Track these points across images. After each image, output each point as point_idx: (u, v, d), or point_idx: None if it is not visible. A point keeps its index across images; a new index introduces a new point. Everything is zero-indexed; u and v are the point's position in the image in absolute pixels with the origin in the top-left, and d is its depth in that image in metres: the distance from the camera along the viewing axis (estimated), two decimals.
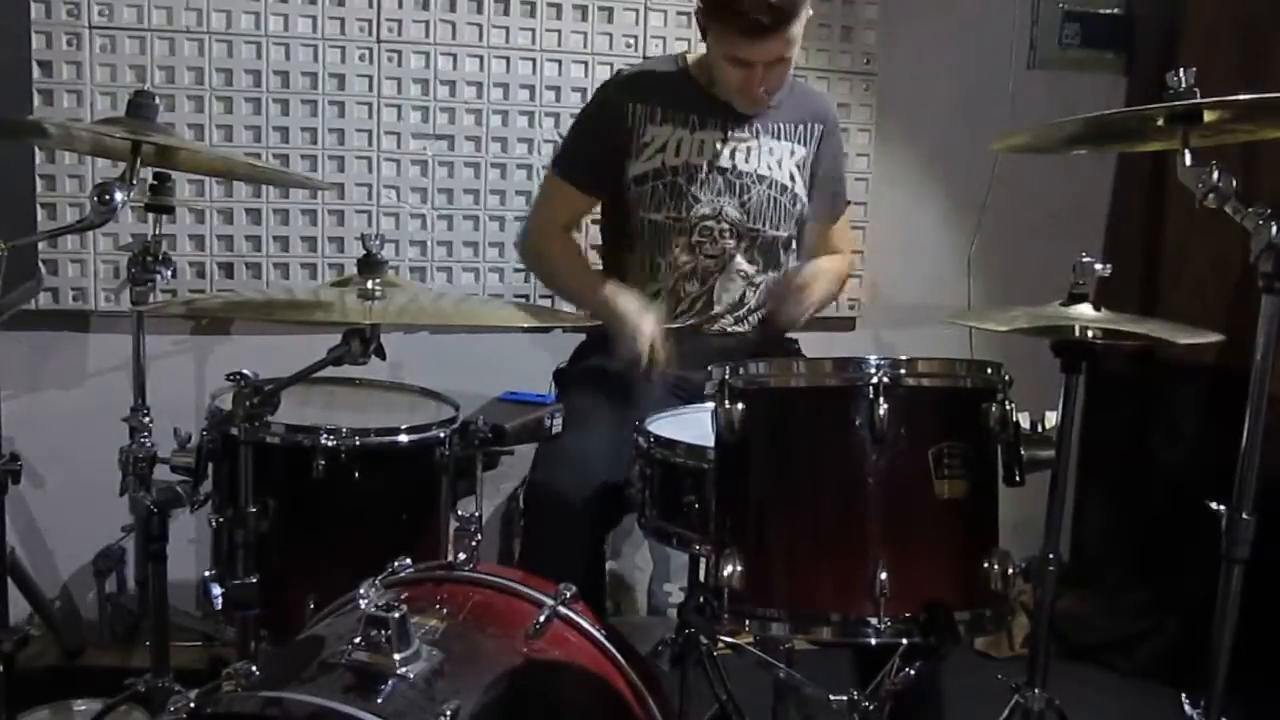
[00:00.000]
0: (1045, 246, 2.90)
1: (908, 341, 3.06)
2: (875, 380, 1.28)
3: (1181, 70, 1.45)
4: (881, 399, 1.27)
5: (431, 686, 1.22)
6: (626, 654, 1.48)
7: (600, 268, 2.33)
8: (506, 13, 2.75)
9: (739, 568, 1.30)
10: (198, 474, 1.73)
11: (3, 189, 2.49)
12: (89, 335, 2.66)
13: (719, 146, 2.14)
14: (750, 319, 2.21)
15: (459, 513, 1.58)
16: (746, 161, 2.15)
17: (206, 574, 1.56)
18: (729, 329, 2.19)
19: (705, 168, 2.13)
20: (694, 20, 2.11)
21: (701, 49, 2.16)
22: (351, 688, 1.19)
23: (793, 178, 2.19)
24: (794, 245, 2.26)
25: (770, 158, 2.17)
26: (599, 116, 2.20)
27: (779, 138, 2.18)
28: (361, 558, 1.55)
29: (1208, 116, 1.49)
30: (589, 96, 2.64)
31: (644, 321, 1.99)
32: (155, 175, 2.03)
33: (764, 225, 2.16)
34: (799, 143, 2.20)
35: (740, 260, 2.17)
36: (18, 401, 2.37)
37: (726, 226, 2.14)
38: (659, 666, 1.68)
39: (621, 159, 2.14)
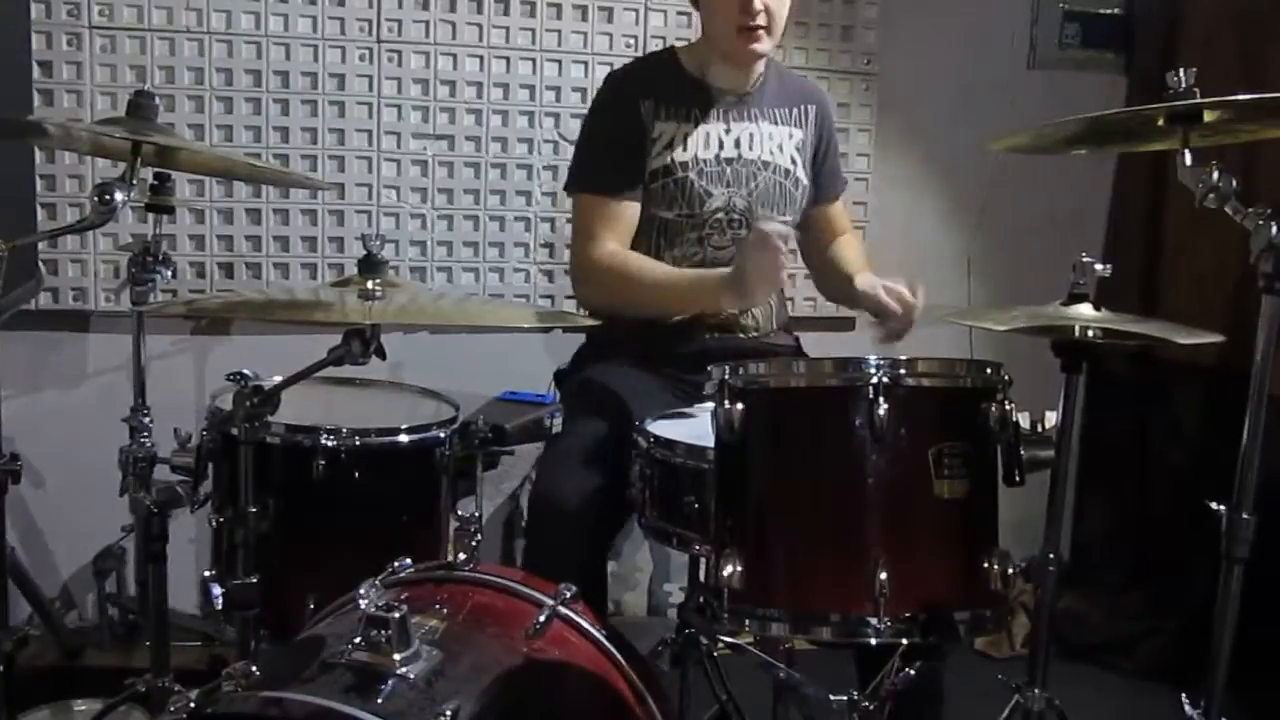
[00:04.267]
0: (1045, 246, 2.90)
1: (908, 341, 3.05)
2: (875, 380, 1.28)
3: (1181, 70, 1.45)
4: (881, 399, 1.27)
5: (431, 686, 1.22)
6: (626, 654, 1.48)
7: None
8: (506, 13, 2.75)
9: (739, 568, 1.30)
10: (198, 474, 1.73)
11: (3, 189, 2.49)
12: (89, 335, 2.66)
13: (723, 137, 2.13)
14: (753, 311, 2.19)
15: (459, 513, 1.58)
16: (750, 149, 2.14)
17: (206, 574, 1.55)
18: (738, 319, 2.18)
19: (713, 160, 2.12)
20: None
21: (691, 39, 2.14)
22: (351, 688, 1.19)
23: (794, 161, 2.18)
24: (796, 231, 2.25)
25: (771, 143, 2.16)
26: (613, 116, 2.13)
27: (777, 122, 2.18)
28: (361, 558, 1.55)
29: (1208, 116, 1.49)
30: (589, 97, 2.63)
31: (767, 253, 1.82)
32: (155, 175, 2.03)
33: (771, 212, 2.16)
34: (796, 125, 2.20)
35: None
36: (18, 401, 2.37)
37: (736, 217, 2.14)
38: (659, 666, 1.68)
39: (643, 155, 2.09)
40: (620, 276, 2.05)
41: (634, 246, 2.13)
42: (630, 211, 2.09)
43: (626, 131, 2.09)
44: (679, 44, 2.30)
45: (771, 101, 2.18)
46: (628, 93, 2.12)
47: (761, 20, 1.99)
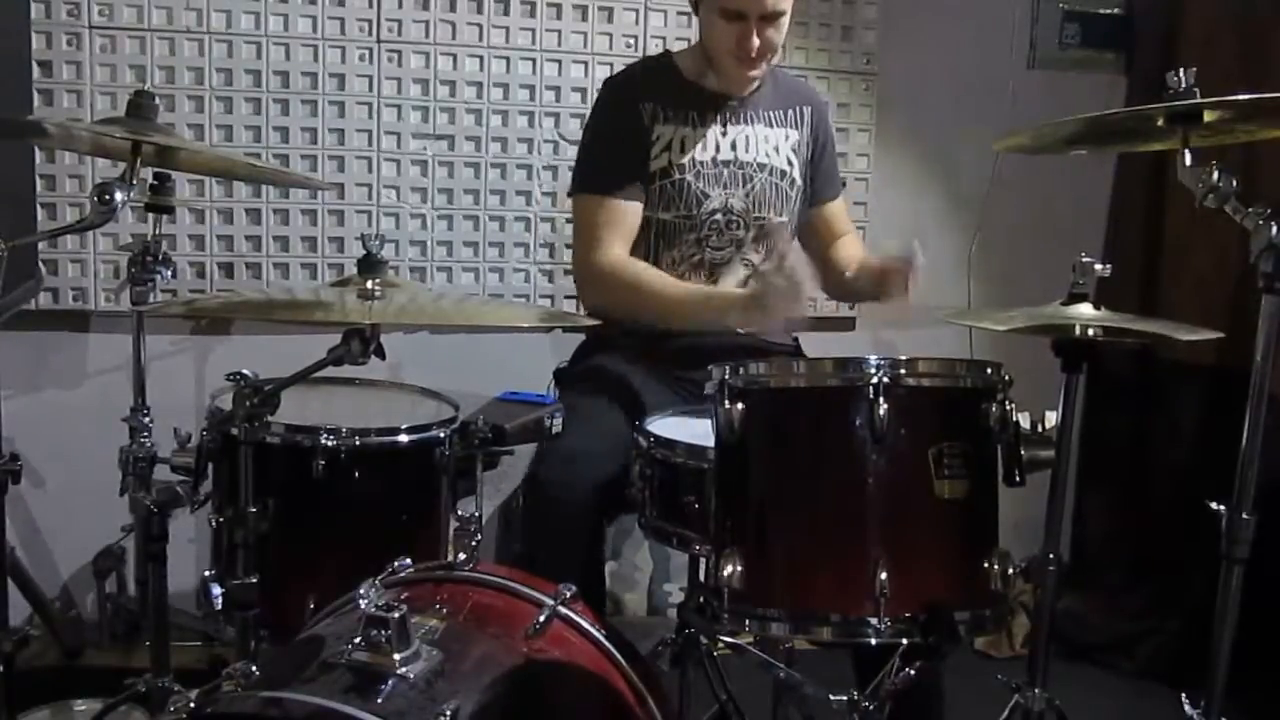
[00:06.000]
0: (1045, 246, 2.90)
1: (908, 341, 3.06)
2: (875, 380, 1.28)
3: (1181, 70, 1.45)
4: (881, 399, 1.27)
5: (431, 686, 1.22)
6: (626, 654, 1.48)
7: None
8: (506, 13, 2.75)
9: (739, 568, 1.30)
10: (198, 474, 1.73)
11: (3, 189, 2.49)
12: (89, 335, 2.66)
13: (720, 140, 2.14)
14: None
15: (459, 513, 1.58)
16: (746, 151, 2.16)
17: (206, 574, 1.56)
18: None
19: (710, 163, 2.13)
20: None
21: (684, 45, 2.14)
22: (351, 688, 1.19)
23: (790, 162, 2.20)
24: (793, 231, 2.26)
25: (767, 145, 2.18)
26: (615, 118, 2.14)
27: (772, 125, 2.19)
28: (361, 558, 1.55)
29: (1208, 116, 1.49)
30: (589, 97, 2.63)
31: (794, 275, 1.78)
32: (155, 175, 2.03)
33: (768, 213, 2.17)
34: (791, 127, 2.21)
35: (747, 249, 2.17)
36: (18, 401, 2.37)
37: (734, 218, 2.15)
38: (659, 666, 1.68)
39: (644, 157, 2.10)
40: (629, 286, 2.03)
41: (631, 249, 2.13)
42: (633, 212, 2.09)
43: (628, 133, 2.10)
44: (677, 46, 2.30)
45: (768, 104, 2.19)
46: (628, 95, 2.14)
47: (756, 52, 2.03)
